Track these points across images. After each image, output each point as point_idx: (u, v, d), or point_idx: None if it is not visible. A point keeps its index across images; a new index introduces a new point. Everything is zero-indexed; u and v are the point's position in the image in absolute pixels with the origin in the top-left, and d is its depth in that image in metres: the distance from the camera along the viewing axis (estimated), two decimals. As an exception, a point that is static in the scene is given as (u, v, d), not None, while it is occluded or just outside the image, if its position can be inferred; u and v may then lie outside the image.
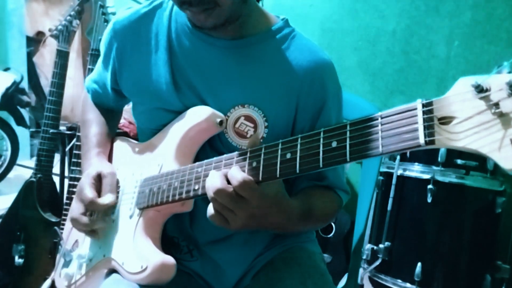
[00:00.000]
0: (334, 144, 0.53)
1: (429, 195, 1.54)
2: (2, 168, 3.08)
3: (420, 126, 0.45)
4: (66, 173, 1.55)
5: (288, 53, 0.82)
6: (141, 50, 0.85)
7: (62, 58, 1.57)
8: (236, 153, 0.66)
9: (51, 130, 1.57)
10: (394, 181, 1.65)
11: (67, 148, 1.64)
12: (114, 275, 0.80)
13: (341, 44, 2.24)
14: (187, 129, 0.79)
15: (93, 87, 0.98)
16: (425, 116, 0.45)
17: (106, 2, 1.30)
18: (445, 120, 0.44)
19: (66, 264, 0.93)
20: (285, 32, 0.84)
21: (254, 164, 0.62)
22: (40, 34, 4.46)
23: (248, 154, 0.64)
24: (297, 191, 0.83)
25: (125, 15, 0.87)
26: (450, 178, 1.55)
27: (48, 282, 1.00)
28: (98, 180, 0.84)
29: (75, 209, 0.81)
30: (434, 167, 1.57)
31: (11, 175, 3.14)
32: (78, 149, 1.32)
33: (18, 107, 2.86)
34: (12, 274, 1.53)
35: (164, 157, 0.81)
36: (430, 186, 1.54)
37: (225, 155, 0.68)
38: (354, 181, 2.09)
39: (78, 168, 1.33)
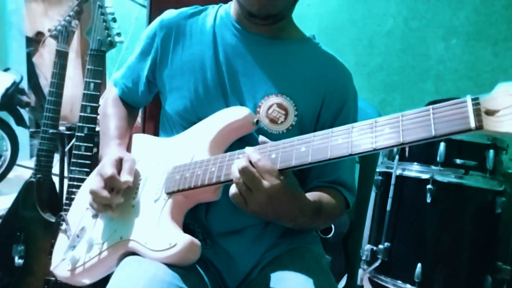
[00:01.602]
0: (387, 130, 0.61)
1: (428, 195, 1.54)
2: (2, 169, 3.08)
3: (471, 114, 0.55)
4: (66, 174, 1.55)
5: (318, 56, 0.95)
6: (185, 42, 0.95)
7: (61, 58, 1.56)
8: (281, 141, 0.73)
9: (51, 130, 1.56)
10: (393, 181, 1.65)
11: (67, 148, 1.64)
12: (131, 256, 0.80)
13: (338, 44, 2.25)
14: (225, 124, 0.85)
15: (122, 82, 1.05)
16: (474, 107, 0.55)
17: (104, 2, 1.30)
18: (490, 112, 0.54)
19: (71, 248, 0.92)
20: (314, 42, 0.99)
21: (303, 148, 0.69)
22: (39, 34, 4.46)
23: (296, 141, 0.71)
24: (307, 190, 0.87)
25: (172, 14, 0.98)
26: (449, 178, 1.55)
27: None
28: (120, 163, 0.88)
29: (96, 182, 0.85)
30: (433, 167, 1.57)
31: (11, 175, 3.14)
32: (78, 150, 1.32)
33: (18, 107, 2.86)
34: (12, 275, 1.53)
35: (197, 148, 0.85)
36: (429, 186, 1.54)
37: (269, 143, 0.74)
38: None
39: (77, 169, 1.33)
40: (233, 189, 0.72)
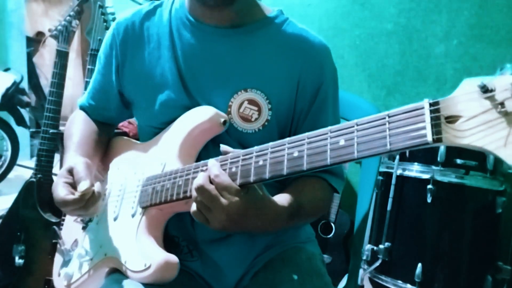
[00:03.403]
0: (341, 142, 0.55)
1: (428, 195, 1.54)
2: (2, 169, 3.08)
3: (428, 124, 0.47)
4: (66, 174, 1.55)
5: (286, 37, 0.85)
6: (143, 47, 0.88)
7: (61, 58, 1.57)
8: (242, 151, 0.67)
9: (51, 130, 1.57)
10: (393, 181, 1.65)
11: (67, 149, 1.64)
12: (115, 274, 0.80)
13: (339, 44, 2.24)
14: (191, 128, 0.80)
15: (90, 103, 0.98)
16: (432, 115, 0.47)
17: (105, 2, 1.30)
18: (452, 119, 0.46)
19: (65, 263, 0.93)
20: (281, 19, 0.87)
21: (261, 162, 0.63)
22: (40, 34, 4.46)
23: (254, 152, 0.65)
24: (289, 182, 0.83)
25: (127, 15, 0.91)
26: (450, 178, 1.55)
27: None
28: (71, 175, 0.79)
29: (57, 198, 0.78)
30: (434, 167, 1.57)
31: (11, 175, 3.14)
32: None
33: (18, 107, 2.86)
34: (12, 275, 1.53)
35: (167, 156, 0.82)
36: (429, 186, 1.54)
37: (230, 154, 0.68)
38: (353, 181, 2.08)
39: (77, 169, 1.33)
40: (193, 207, 0.68)
